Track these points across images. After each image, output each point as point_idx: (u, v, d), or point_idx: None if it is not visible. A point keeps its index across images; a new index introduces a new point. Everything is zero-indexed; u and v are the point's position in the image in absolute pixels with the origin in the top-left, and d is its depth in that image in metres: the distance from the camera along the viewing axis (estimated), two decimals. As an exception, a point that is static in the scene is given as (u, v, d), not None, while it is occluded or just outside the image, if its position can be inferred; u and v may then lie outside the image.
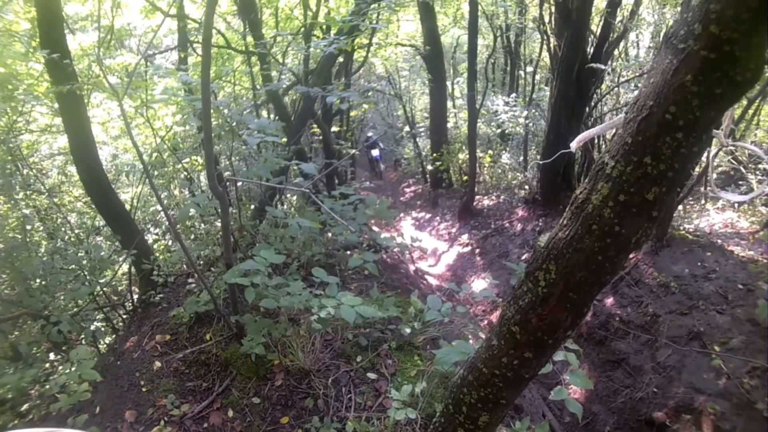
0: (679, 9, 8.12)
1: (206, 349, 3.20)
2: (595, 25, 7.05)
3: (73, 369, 2.38)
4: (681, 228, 5.42)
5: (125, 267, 4.71)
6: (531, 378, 1.55)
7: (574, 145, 1.60)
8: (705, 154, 2.52)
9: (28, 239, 4.87)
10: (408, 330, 3.25)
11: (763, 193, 4.91)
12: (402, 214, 10.54)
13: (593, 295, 1.31)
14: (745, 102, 5.63)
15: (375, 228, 4.89)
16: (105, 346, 4.14)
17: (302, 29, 6.23)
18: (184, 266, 4.79)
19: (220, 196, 2.39)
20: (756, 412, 3.31)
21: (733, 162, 6.13)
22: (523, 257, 6.73)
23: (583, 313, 1.35)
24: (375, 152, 13.97)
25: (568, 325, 1.36)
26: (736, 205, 6.11)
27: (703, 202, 6.48)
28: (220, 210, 2.41)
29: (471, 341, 3.07)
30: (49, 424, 2.61)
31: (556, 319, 1.35)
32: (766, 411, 3.26)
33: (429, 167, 10.82)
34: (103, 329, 4.12)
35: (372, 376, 2.96)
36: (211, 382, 3.02)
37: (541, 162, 7.21)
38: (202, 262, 4.56)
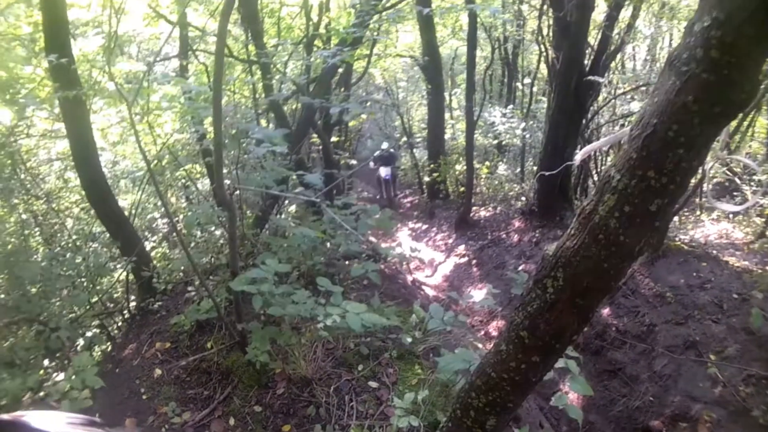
0: (674, 22, 8.35)
1: (207, 357, 3.20)
2: (593, 38, 7.08)
3: (74, 376, 2.38)
4: (676, 239, 5.46)
5: (121, 274, 4.70)
6: (537, 382, 1.60)
7: (578, 158, 1.68)
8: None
9: (25, 244, 4.85)
10: (409, 339, 3.28)
11: (756, 204, 4.99)
12: (399, 225, 10.56)
13: (599, 301, 1.37)
14: (740, 115, 5.75)
15: (372, 239, 4.92)
16: (99, 353, 4.11)
17: (304, 39, 6.30)
18: (181, 274, 4.80)
19: (228, 206, 2.42)
20: (752, 419, 3.36)
21: (729, 173, 6.23)
22: (520, 268, 6.73)
23: (588, 317, 1.41)
24: (385, 171, 10.91)
25: (575, 329, 1.42)
26: (731, 215, 6.18)
27: (698, 213, 6.54)
28: (227, 219, 2.44)
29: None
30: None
31: (564, 324, 1.41)
32: (762, 418, 3.30)
33: (426, 178, 10.81)
34: (97, 337, 4.10)
35: (373, 384, 2.98)
36: (213, 390, 3.03)
37: (538, 173, 7.25)
38: (199, 271, 4.57)
